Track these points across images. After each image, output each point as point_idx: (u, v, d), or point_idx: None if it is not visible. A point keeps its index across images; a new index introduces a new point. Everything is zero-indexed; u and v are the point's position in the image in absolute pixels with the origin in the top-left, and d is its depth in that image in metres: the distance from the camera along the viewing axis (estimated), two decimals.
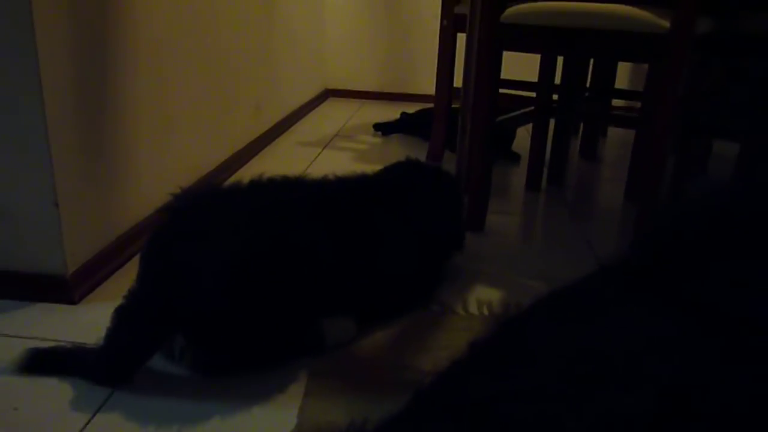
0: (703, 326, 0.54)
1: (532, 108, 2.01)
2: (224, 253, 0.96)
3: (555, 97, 2.06)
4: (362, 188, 1.22)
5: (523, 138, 2.52)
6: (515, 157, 2.40)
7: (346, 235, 1.09)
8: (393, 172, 1.32)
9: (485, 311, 1.22)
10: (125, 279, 1.31)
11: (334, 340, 1.06)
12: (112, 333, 0.95)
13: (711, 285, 0.59)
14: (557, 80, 2.04)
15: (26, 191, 1.16)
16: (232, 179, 2.00)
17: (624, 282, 0.62)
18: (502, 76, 1.77)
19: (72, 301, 1.21)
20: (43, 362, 1.00)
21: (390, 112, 3.04)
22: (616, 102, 2.59)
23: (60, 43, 1.15)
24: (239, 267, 0.96)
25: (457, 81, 2.14)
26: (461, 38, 2.08)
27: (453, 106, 2.27)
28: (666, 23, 1.37)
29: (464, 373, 0.56)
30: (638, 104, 2.47)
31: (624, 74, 3.06)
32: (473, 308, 1.23)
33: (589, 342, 0.52)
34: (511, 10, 1.54)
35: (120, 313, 0.96)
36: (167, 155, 1.63)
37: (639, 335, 0.53)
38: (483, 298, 1.28)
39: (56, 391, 0.96)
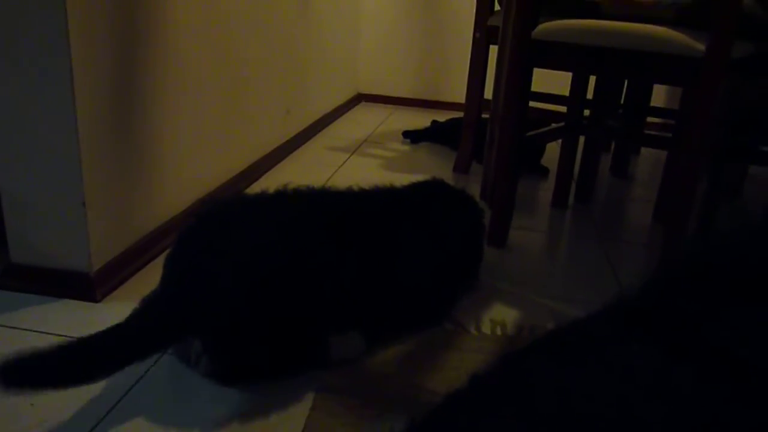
0: (703, 372, 0.53)
1: (562, 124, 1.99)
2: (244, 266, 0.98)
3: (587, 111, 2.04)
4: (385, 204, 1.23)
5: (553, 151, 2.50)
6: (544, 171, 2.38)
7: (364, 252, 1.09)
8: (417, 190, 1.32)
9: (498, 332, 1.21)
10: (147, 280, 1.34)
11: (340, 355, 1.06)
12: (127, 320, 0.97)
13: (717, 329, 0.58)
14: (590, 94, 2.01)
15: (55, 190, 1.20)
16: (259, 183, 2.03)
17: (628, 323, 0.61)
18: (533, 88, 1.75)
19: (94, 299, 1.24)
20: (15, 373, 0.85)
21: (421, 119, 3.04)
22: (652, 119, 2.55)
23: (93, 47, 1.18)
24: (257, 281, 0.98)
25: (488, 92, 2.13)
26: (494, 49, 2.07)
27: (483, 116, 2.25)
28: (701, 46, 1.34)
29: (458, 409, 0.56)
30: (674, 122, 2.43)
31: (661, 91, 3.01)
32: (486, 328, 1.22)
33: (584, 384, 0.52)
34: (543, 27, 1.52)
35: (142, 304, 0.99)
36: (193, 159, 1.66)
37: (636, 379, 0.52)
38: (497, 318, 1.27)
39: (71, 389, 0.99)
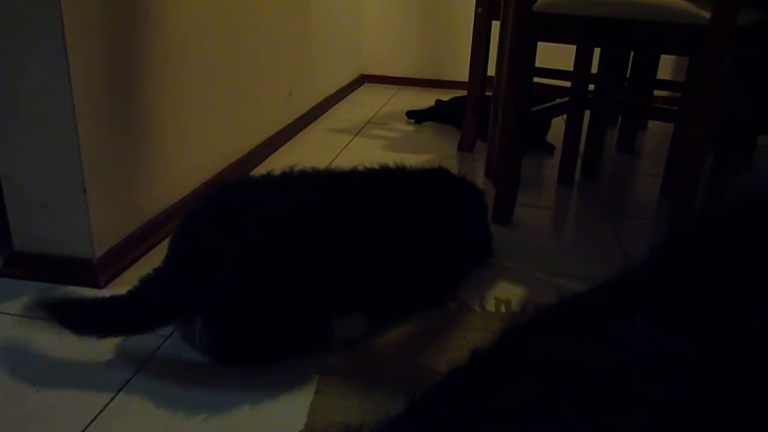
0: (707, 344, 0.52)
1: (567, 99, 1.96)
2: (249, 247, 0.98)
3: (593, 86, 2.01)
4: (387, 185, 1.22)
5: (558, 127, 2.47)
6: (549, 148, 2.35)
7: (367, 233, 1.09)
8: (419, 173, 1.31)
9: (503, 310, 1.20)
10: (150, 265, 1.33)
11: (343, 336, 1.06)
12: (131, 292, 1.00)
13: (722, 301, 0.56)
14: (595, 69, 1.98)
15: (55, 177, 1.19)
16: (262, 167, 2.02)
17: (630, 297, 0.60)
18: (537, 63, 1.73)
19: (98, 285, 1.24)
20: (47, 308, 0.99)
21: (425, 99, 3.01)
22: (659, 93, 2.50)
23: (88, 29, 1.17)
24: (262, 262, 0.98)
25: (492, 69, 2.10)
26: (497, 25, 2.04)
27: (486, 94, 2.23)
28: (706, 14, 1.32)
29: (460, 384, 0.55)
30: (681, 95, 2.39)
31: (668, 64, 2.96)
32: (491, 306, 1.22)
33: (586, 358, 0.51)
34: None
35: (143, 280, 1.01)
36: (195, 143, 1.65)
37: (635, 351, 0.51)
38: (502, 296, 1.26)
39: (76, 373, 1.00)
